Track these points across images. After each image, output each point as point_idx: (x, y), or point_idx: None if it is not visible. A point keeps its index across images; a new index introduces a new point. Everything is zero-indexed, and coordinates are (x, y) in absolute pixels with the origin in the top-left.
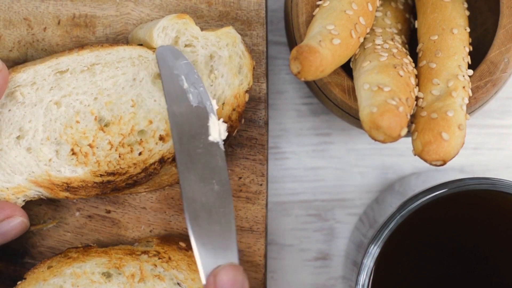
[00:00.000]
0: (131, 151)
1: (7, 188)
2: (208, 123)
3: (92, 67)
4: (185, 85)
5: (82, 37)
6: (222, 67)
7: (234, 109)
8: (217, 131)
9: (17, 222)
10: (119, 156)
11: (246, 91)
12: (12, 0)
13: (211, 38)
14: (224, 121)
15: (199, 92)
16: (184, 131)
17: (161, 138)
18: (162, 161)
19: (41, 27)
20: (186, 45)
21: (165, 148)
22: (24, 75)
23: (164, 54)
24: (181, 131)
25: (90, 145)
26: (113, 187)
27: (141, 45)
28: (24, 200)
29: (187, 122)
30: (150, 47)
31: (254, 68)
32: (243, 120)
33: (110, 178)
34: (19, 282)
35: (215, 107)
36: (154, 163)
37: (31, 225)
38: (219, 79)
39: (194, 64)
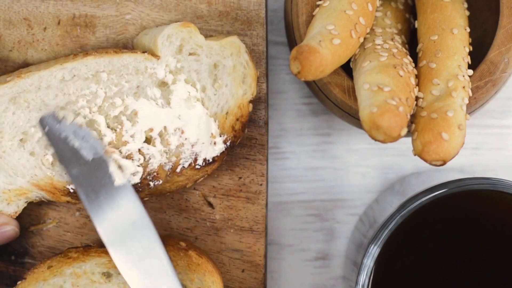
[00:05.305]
0: (132, 158)
1: (9, 190)
2: (109, 170)
3: (97, 74)
4: (76, 144)
5: (82, 37)
6: (226, 76)
7: (237, 119)
8: (120, 174)
9: (10, 229)
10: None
11: (250, 101)
12: (12, 0)
13: (215, 47)
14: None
15: (91, 144)
16: (89, 188)
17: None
18: (163, 169)
19: (41, 27)
20: (190, 54)
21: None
22: (29, 80)
23: (46, 122)
24: (87, 189)
25: None
26: None
27: (145, 52)
28: (26, 202)
29: (89, 178)
30: (155, 55)
31: (258, 78)
32: (246, 130)
33: None
34: (19, 282)
35: (214, 126)
36: (155, 171)
37: (31, 225)
38: (223, 89)
39: (198, 73)
